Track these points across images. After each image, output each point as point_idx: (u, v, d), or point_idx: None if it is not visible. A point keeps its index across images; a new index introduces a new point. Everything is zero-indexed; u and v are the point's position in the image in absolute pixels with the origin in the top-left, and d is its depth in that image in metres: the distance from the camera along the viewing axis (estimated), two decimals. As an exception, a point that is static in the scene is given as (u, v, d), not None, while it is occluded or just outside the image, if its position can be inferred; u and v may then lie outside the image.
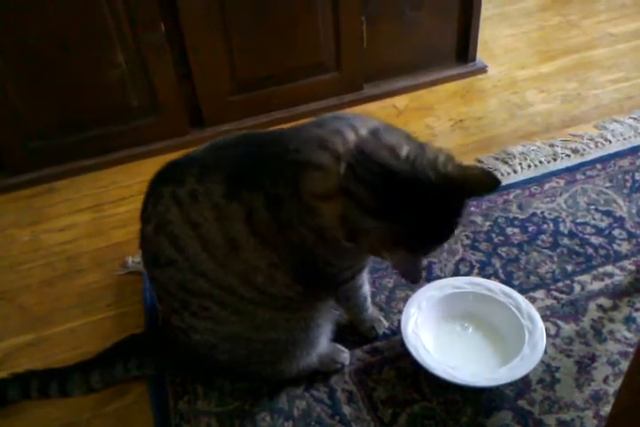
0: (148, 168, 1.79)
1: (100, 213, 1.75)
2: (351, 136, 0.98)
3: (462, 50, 2.16)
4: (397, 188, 0.93)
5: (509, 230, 1.57)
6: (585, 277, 1.43)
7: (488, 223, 1.59)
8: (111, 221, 1.72)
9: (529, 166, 1.77)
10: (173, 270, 1.06)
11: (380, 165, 0.94)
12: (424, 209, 0.95)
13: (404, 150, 0.95)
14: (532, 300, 1.37)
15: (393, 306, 1.41)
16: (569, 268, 1.46)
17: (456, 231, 1.01)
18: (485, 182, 0.96)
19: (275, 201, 1.00)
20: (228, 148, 1.08)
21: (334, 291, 1.18)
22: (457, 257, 1.51)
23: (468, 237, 1.55)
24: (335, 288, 1.17)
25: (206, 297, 1.07)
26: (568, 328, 1.33)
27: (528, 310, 1.28)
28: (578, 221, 1.58)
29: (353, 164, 0.95)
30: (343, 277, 1.14)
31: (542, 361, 1.25)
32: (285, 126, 1.89)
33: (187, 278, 1.05)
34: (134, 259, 1.57)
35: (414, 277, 1.01)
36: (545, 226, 1.57)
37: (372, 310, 1.33)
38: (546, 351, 1.24)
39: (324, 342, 1.24)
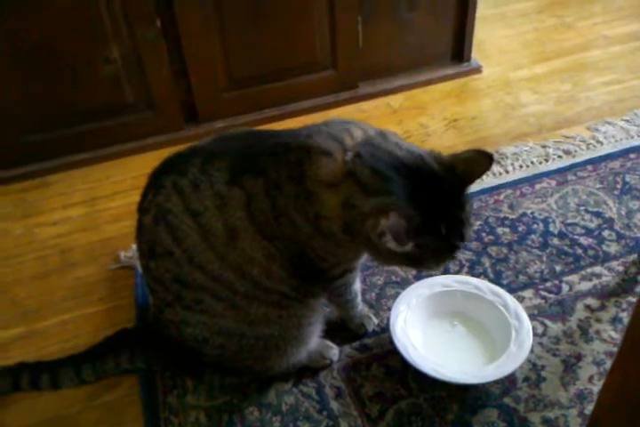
0: (142, 163, 1.84)
1: (93, 208, 1.76)
2: (359, 133, 1.02)
3: (457, 50, 2.17)
4: (402, 172, 0.97)
5: (500, 230, 1.58)
6: (573, 278, 1.45)
7: (478, 222, 1.60)
8: (104, 215, 1.73)
9: (521, 167, 1.78)
10: (170, 262, 1.06)
11: (387, 153, 0.98)
12: (424, 193, 0.97)
13: (406, 145, 1.02)
14: (521, 299, 1.38)
15: (383, 303, 1.42)
16: (558, 268, 1.47)
17: (469, 234, 1.03)
18: (480, 159, 1.00)
19: (274, 186, 1.01)
20: (233, 139, 1.10)
21: (327, 286, 1.19)
22: (447, 256, 1.52)
23: (458, 236, 1.57)
24: (328, 284, 1.18)
25: (201, 290, 1.07)
26: (555, 328, 1.34)
27: (516, 309, 1.29)
28: (568, 221, 1.59)
29: (361, 151, 0.98)
30: (334, 273, 1.15)
31: (529, 360, 1.26)
32: (279, 124, 1.96)
33: (183, 271, 1.06)
34: (127, 254, 1.58)
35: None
36: (535, 226, 1.58)
37: (361, 307, 1.33)
38: (532, 350, 1.26)
39: (314, 341, 1.25)
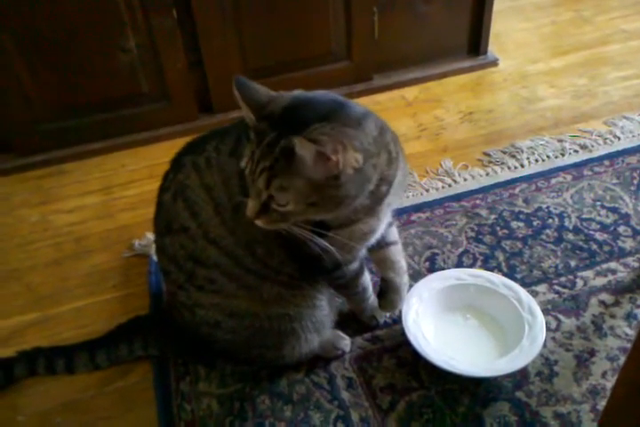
0: (157, 153, 1.85)
1: (108, 196, 1.77)
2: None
3: (474, 42, 2.15)
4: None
5: (514, 224, 1.57)
6: (588, 273, 1.44)
7: (493, 216, 1.60)
8: (119, 203, 1.74)
9: (536, 161, 1.77)
10: (185, 238, 1.07)
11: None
12: None
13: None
14: (534, 293, 1.38)
15: (395, 295, 1.42)
16: (572, 263, 1.46)
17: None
18: None
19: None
20: None
21: (325, 278, 1.16)
22: (460, 249, 1.52)
23: (472, 229, 1.56)
24: (325, 275, 1.14)
25: (214, 267, 1.08)
26: (569, 322, 1.34)
27: (529, 303, 1.28)
28: (583, 216, 1.58)
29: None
30: (324, 264, 1.08)
31: (541, 354, 1.26)
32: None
33: (197, 246, 1.07)
34: (141, 242, 1.59)
35: None
36: (550, 221, 1.57)
37: (373, 300, 1.33)
38: (545, 345, 1.25)
39: (327, 330, 1.25)
